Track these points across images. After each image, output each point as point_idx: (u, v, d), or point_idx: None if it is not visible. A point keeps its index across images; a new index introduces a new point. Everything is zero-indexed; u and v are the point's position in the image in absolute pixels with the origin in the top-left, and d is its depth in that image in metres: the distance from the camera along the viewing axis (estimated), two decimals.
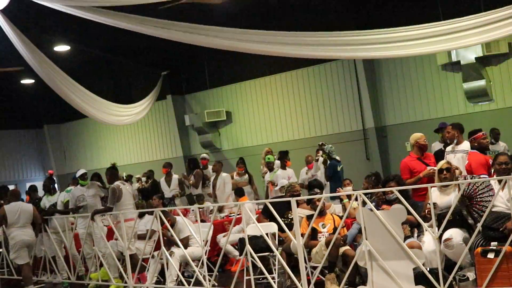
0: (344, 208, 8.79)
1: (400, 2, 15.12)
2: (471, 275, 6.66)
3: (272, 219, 8.28)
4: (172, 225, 9.15)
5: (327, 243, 7.47)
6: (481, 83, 14.18)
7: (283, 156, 13.06)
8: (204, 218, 11.07)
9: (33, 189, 13.02)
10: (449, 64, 14.72)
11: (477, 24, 8.45)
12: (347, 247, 7.72)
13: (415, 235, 7.41)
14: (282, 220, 7.81)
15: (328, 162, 12.15)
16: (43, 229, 11.03)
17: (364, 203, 6.90)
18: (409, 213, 6.68)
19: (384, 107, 16.17)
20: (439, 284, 6.32)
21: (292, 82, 17.79)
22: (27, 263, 10.19)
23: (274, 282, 7.90)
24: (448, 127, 8.97)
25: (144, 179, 15.47)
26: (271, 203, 7.96)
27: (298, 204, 8.43)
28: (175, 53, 18.83)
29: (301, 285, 7.20)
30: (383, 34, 9.19)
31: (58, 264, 11.02)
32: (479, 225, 6.39)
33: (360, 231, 7.23)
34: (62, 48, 17.85)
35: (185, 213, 11.23)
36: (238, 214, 9.21)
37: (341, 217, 7.94)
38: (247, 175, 13.09)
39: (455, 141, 8.58)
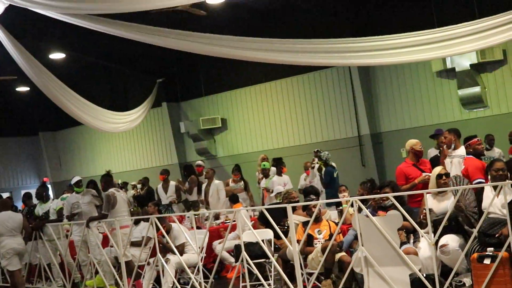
0: (340, 215, 8.79)
1: (395, 10, 15.18)
2: (467, 281, 6.67)
3: (268, 226, 8.27)
4: (168, 232, 9.14)
5: (323, 250, 7.47)
6: (476, 89, 14.22)
7: (279, 163, 13.07)
8: (200, 225, 11.05)
9: (27, 196, 12.98)
10: (444, 71, 14.76)
11: (472, 31, 8.47)
12: (343, 253, 7.71)
13: (411, 241, 7.42)
14: (279, 228, 7.81)
15: (324, 169, 12.17)
16: (38, 237, 11.01)
17: (360, 209, 6.91)
18: (405, 219, 6.68)
19: (380, 113, 16.18)
20: None
21: (287, 89, 17.79)
22: (19, 269, 10.18)
23: None
24: (445, 132, 9.01)
25: (139, 186, 15.47)
26: (267, 210, 7.96)
27: (294, 210, 8.42)
28: (171, 61, 18.82)
29: None
30: (379, 41, 9.20)
31: (53, 271, 11.01)
32: (475, 230, 6.39)
33: (356, 237, 7.24)
34: (57, 55, 17.81)
35: (181, 219, 11.22)
36: (234, 221, 9.20)
37: (337, 224, 7.95)
38: (242, 182, 13.08)
39: (452, 146, 8.62)
